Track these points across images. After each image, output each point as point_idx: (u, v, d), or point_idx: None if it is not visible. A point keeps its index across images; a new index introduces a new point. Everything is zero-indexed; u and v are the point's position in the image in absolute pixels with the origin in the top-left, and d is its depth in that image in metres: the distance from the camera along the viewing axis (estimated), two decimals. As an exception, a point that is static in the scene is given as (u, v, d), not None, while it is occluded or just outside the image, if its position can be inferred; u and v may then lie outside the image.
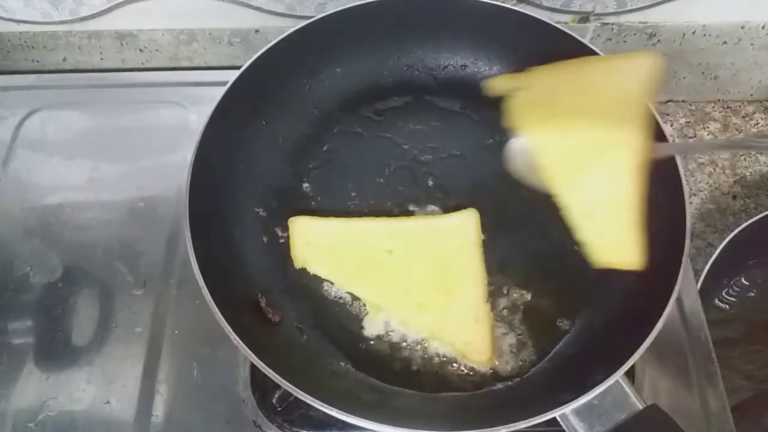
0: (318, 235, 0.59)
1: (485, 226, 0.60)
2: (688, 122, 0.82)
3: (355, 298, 0.57)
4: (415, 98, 0.68)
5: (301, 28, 0.62)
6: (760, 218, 0.66)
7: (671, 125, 0.82)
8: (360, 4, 0.64)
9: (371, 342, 0.56)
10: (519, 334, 0.56)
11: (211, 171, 0.57)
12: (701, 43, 0.77)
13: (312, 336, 0.56)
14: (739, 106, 0.84)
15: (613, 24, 0.75)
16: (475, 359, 0.54)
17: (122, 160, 0.69)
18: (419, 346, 0.55)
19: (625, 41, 0.76)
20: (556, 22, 0.75)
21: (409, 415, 0.50)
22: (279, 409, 0.55)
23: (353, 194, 0.63)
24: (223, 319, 0.48)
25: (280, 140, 0.64)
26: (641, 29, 0.75)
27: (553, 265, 0.59)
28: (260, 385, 0.56)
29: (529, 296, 0.57)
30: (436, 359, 0.55)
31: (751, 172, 0.79)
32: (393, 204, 0.62)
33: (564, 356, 0.55)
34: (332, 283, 0.58)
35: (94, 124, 0.72)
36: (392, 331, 0.56)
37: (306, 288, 0.58)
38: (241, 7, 0.72)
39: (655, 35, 0.76)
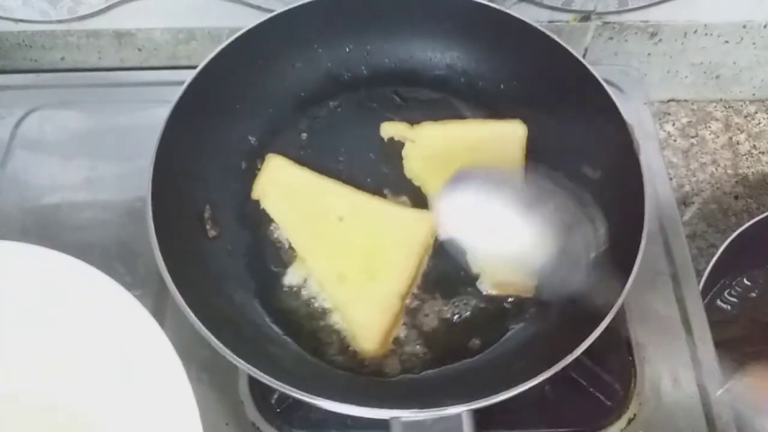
0: (285, 177, 0.62)
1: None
2: (690, 122, 0.82)
3: (291, 247, 0.59)
4: (445, 98, 0.68)
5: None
6: (763, 218, 0.66)
7: (673, 125, 0.82)
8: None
9: (284, 289, 0.57)
10: (422, 344, 0.55)
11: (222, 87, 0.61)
12: (703, 43, 0.77)
13: (235, 261, 0.58)
14: (741, 106, 0.83)
15: (614, 23, 0.75)
16: (362, 345, 0.54)
17: (121, 160, 0.69)
18: (322, 312, 0.56)
19: (626, 40, 0.76)
20: (556, 21, 0.75)
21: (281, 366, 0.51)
22: (278, 410, 0.54)
23: (341, 158, 0.64)
24: (151, 210, 0.51)
25: (300, 89, 0.67)
26: (643, 28, 0.75)
27: (480, 290, 0.58)
28: (259, 387, 0.56)
29: (449, 314, 0.57)
30: (332, 330, 0.55)
31: (753, 172, 0.78)
32: (372, 181, 0.63)
33: (456, 375, 0.54)
34: (278, 227, 0.60)
35: (92, 123, 0.72)
36: (306, 289, 0.57)
37: (255, 221, 0.60)
38: (239, 5, 0.72)
39: (656, 34, 0.76)
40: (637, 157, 0.55)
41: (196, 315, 0.47)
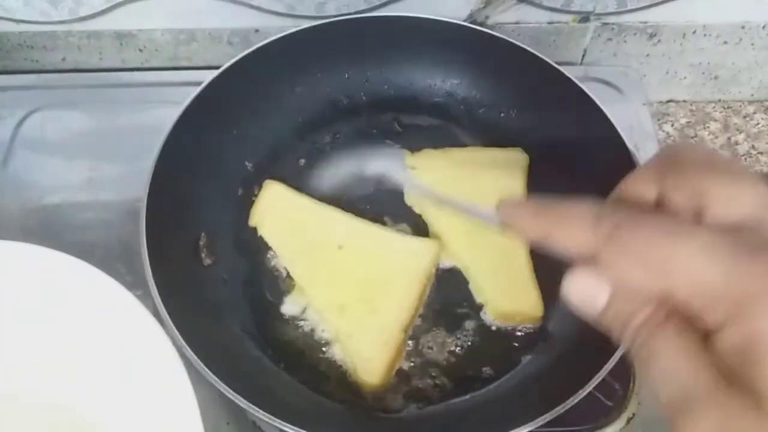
0: (283, 204, 0.61)
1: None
2: (689, 122, 0.82)
3: (289, 275, 0.58)
4: (445, 125, 0.68)
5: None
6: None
7: (672, 125, 0.82)
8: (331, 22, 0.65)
9: (283, 319, 0.56)
10: (426, 377, 0.54)
11: (219, 111, 0.61)
12: (702, 43, 0.77)
13: (231, 290, 0.57)
14: (740, 106, 0.84)
15: (613, 24, 0.75)
16: (365, 378, 0.53)
17: (122, 160, 0.69)
18: (322, 344, 0.55)
19: (625, 41, 0.76)
20: (555, 22, 0.74)
21: (278, 401, 0.50)
22: (278, 410, 0.55)
23: (339, 185, 0.63)
24: (145, 239, 0.51)
25: (299, 114, 0.66)
26: (642, 29, 0.75)
27: (485, 321, 0.57)
28: (260, 386, 0.56)
29: (453, 345, 0.56)
30: (333, 363, 0.55)
31: (752, 173, 0.78)
32: (372, 209, 0.62)
33: (462, 409, 0.53)
34: (275, 255, 0.59)
35: (93, 124, 0.72)
36: (306, 320, 0.56)
37: (251, 249, 0.60)
38: (240, 6, 0.72)
39: (655, 35, 0.76)
40: None
41: (191, 348, 0.47)
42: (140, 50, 0.77)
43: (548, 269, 0.57)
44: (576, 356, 0.53)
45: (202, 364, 0.47)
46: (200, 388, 0.52)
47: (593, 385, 0.47)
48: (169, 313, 0.48)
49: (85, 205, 0.66)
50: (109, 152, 0.69)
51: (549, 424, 0.47)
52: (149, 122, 0.71)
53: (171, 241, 0.55)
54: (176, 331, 0.48)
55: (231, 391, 0.46)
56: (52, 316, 0.50)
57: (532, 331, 0.56)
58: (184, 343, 0.47)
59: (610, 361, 0.47)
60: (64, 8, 0.72)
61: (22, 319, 0.50)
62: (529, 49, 0.63)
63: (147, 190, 0.54)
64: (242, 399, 0.46)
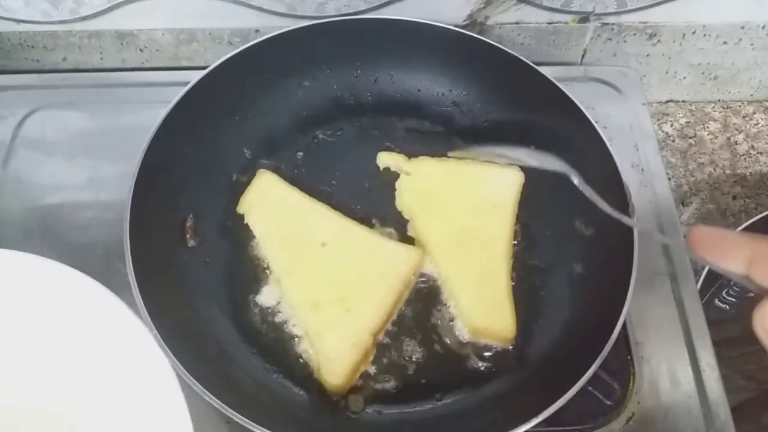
0: (274, 194, 0.61)
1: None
2: (689, 122, 0.83)
3: (269, 267, 0.58)
4: (447, 134, 0.68)
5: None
6: (760, 218, 0.66)
7: (671, 125, 0.82)
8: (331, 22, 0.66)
9: (256, 309, 0.57)
10: (390, 383, 0.55)
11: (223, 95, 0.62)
12: (701, 44, 0.77)
13: (212, 274, 0.58)
14: (739, 106, 0.84)
15: (613, 24, 0.75)
16: (327, 378, 0.53)
17: (122, 160, 0.68)
18: (291, 338, 0.56)
19: (625, 41, 0.77)
20: (555, 23, 0.75)
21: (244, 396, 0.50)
22: (279, 409, 0.55)
23: (334, 182, 0.64)
24: (129, 210, 0.52)
25: (303, 108, 0.67)
26: (641, 29, 0.75)
27: (456, 335, 0.57)
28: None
29: (421, 356, 0.56)
30: (299, 358, 0.55)
31: (751, 173, 0.79)
32: (362, 208, 0.62)
33: (421, 420, 0.53)
34: (259, 244, 0.59)
35: (94, 123, 0.72)
36: (279, 312, 0.57)
37: (236, 236, 0.60)
38: (241, 6, 0.72)
39: (655, 35, 0.76)
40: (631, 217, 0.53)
41: (156, 326, 0.47)
42: (141, 50, 0.77)
43: (525, 294, 0.58)
44: (544, 379, 0.53)
45: (164, 343, 0.47)
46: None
47: (554, 409, 0.47)
48: (140, 287, 0.49)
49: (86, 205, 0.66)
50: (109, 152, 0.70)
51: (549, 422, 0.47)
52: (150, 122, 0.71)
53: (157, 217, 0.56)
54: (143, 305, 0.49)
55: (188, 375, 0.46)
56: (45, 326, 0.50)
57: (501, 349, 0.56)
58: (149, 320, 0.48)
59: (573, 388, 0.47)
60: (64, 8, 0.72)
61: (14, 329, 0.50)
62: (537, 68, 0.63)
63: (139, 162, 0.55)
64: (199, 384, 0.46)
